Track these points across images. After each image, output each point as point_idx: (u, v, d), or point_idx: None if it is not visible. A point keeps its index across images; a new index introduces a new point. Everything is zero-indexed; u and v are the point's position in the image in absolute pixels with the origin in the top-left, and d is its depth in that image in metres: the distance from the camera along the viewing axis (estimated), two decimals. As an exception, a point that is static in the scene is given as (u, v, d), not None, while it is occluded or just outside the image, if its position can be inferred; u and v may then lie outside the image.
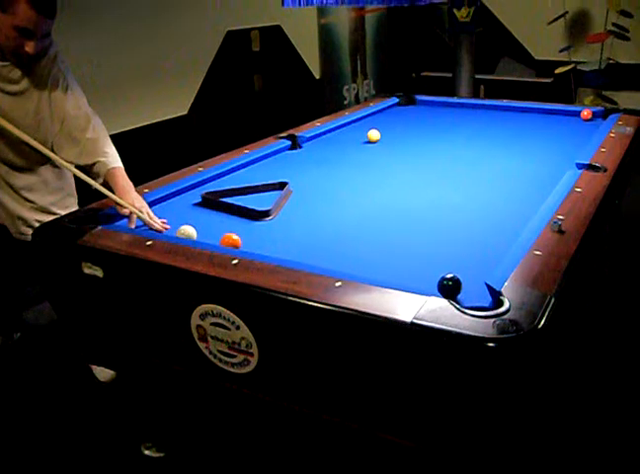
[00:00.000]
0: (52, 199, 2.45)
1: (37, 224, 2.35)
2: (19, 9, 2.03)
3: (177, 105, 4.32)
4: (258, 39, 4.90)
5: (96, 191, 2.19)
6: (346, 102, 5.88)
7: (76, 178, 2.53)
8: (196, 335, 1.71)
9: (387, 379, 1.50)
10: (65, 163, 2.21)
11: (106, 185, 2.20)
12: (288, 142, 2.97)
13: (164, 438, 2.35)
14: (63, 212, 2.35)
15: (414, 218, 2.18)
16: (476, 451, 1.49)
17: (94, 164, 2.25)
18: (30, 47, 2.11)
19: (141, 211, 2.09)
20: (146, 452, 2.32)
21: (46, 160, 2.38)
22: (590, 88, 5.77)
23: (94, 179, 2.23)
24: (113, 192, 2.16)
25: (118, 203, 2.11)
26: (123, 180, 2.22)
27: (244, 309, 1.62)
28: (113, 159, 2.28)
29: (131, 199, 2.13)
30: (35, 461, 2.38)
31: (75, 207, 2.48)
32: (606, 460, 2.30)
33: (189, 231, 1.97)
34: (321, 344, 1.55)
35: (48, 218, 2.30)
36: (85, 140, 2.27)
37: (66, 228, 2.01)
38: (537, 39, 6.11)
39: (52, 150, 2.26)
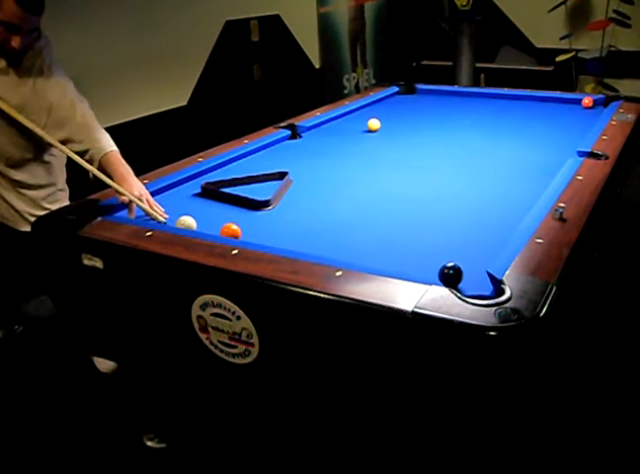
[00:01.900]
0: (43, 194, 2.42)
1: (30, 217, 2.35)
2: (5, 5, 2.02)
3: (176, 95, 4.30)
4: (257, 29, 4.88)
5: (90, 182, 2.17)
6: (346, 91, 5.86)
7: (69, 170, 2.53)
8: (196, 325, 1.71)
9: (388, 369, 1.49)
10: (64, 147, 2.18)
11: (103, 172, 2.16)
12: (288, 132, 2.96)
13: (166, 429, 2.35)
14: (54, 207, 2.33)
15: (414, 207, 2.18)
16: (478, 440, 1.49)
17: (86, 151, 2.21)
18: (15, 43, 2.09)
19: (141, 200, 2.07)
20: (148, 443, 2.33)
21: (38, 154, 2.37)
22: (591, 76, 5.74)
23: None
24: (111, 179, 2.13)
25: (117, 191, 2.09)
26: (121, 166, 2.18)
27: (244, 299, 1.62)
28: (105, 144, 2.23)
29: (130, 187, 2.09)
30: (37, 452, 2.38)
31: (66, 201, 2.47)
32: (607, 449, 2.30)
33: (188, 222, 1.97)
34: (322, 334, 1.55)
35: (40, 212, 2.29)
36: (75, 125, 2.22)
37: (66, 220, 2.00)
38: (538, 27, 6.08)
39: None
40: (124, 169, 2.17)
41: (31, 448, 2.40)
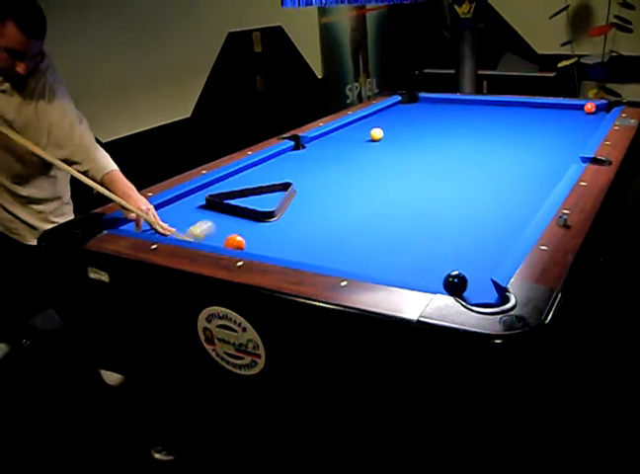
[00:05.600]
0: (51, 208, 2.45)
1: (37, 231, 2.36)
2: (7, 32, 2.03)
3: (180, 108, 4.32)
4: (259, 41, 4.90)
5: (93, 196, 2.18)
6: (348, 101, 5.88)
7: (72, 185, 2.54)
8: (202, 337, 1.71)
9: (394, 378, 1.49)
10: (68, 167, 2.19)
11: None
12: (292, 143, 2.97)
13: (173, 442, 2.35)
14: (60, 220, 2.35)
15: (418, 216, 2.18)
16: (483, 448, 1.49)
17: (86, 172, 2.21)
18: (20, 68, 2.11)
19: (147, 214, 2.09)
20: (156, 456, 2.33)
21: (44, 171, 2.38)
22: (593, 81, 5.75)
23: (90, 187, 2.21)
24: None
25: (123, 207, 2.11)
26: (123, 184, 2.20)
27: (250, 311, 1.62)
28: (106, 164, 2.25)
29: (136, 203, 2.11)
30: (45, 465, 2.38)
31: (71, 215, 2.49)
32: (609, 454, 2.29)
33: (205, 226, 1.98)
34: (328, 344, 1.55)
35: (47, 226, 2.31)
36: (73, 146, 2.23)
37: (72, 233, 2.01)
38: (540, 34, 6.10)
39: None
40: (127, 186, 2.19)
41: (39, 461, 2.40)
